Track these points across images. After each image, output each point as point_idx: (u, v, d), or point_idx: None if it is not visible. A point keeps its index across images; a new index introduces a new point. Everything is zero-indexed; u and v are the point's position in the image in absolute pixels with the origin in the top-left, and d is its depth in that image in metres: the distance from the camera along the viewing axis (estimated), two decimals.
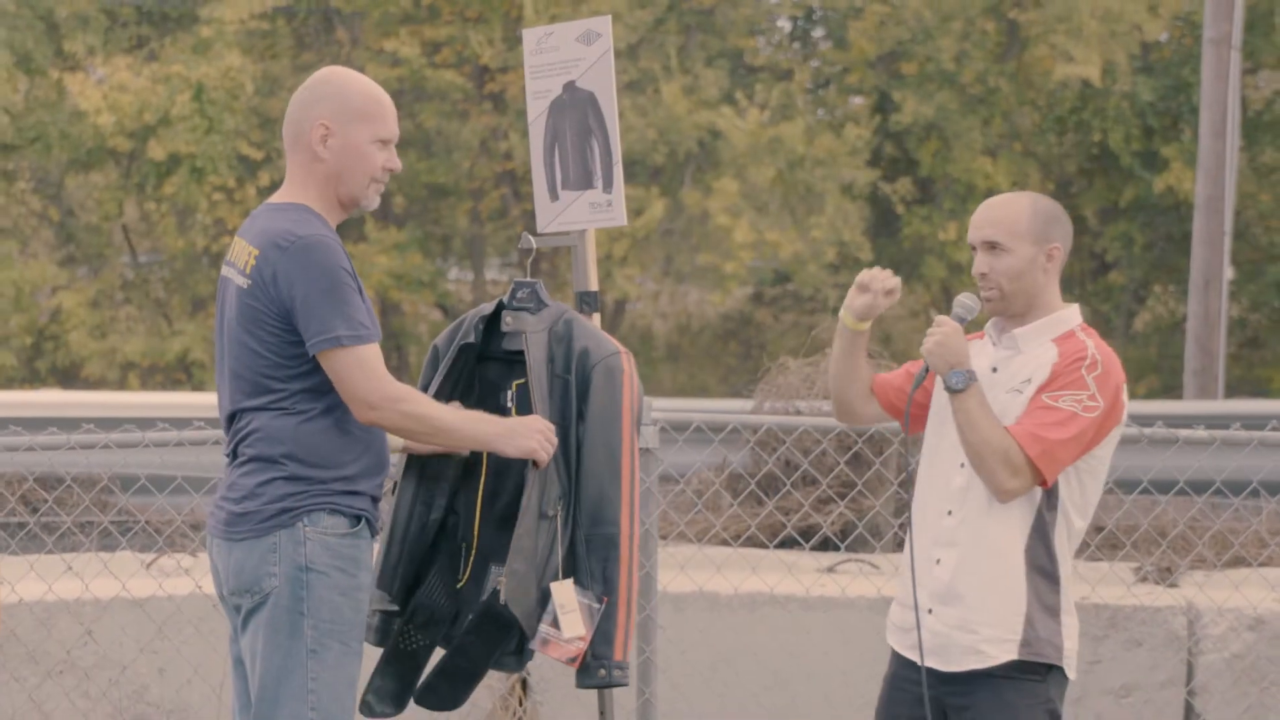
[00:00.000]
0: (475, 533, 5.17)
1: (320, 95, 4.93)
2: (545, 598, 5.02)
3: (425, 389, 5.21)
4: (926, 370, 4.99)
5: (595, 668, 5.10)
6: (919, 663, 4.98)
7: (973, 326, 5.08)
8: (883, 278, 5.09)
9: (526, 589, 4.99)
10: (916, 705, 5.00)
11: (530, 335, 5.11)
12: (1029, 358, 4.96)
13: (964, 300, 4.97)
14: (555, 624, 5.03)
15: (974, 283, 5.07)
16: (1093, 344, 4.96)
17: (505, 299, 5.23)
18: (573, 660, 5.06)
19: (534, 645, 5.04)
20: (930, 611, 4.97)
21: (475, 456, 5.22)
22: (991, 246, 4.96)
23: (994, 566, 4.91)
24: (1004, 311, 5.00)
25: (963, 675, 4.95)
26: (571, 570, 5.07)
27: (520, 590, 4.98)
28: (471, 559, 5.15)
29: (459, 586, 5.18)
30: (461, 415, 4.99)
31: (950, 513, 4.96)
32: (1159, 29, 24.72)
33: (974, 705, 4.94)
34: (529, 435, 4.97)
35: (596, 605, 5.06)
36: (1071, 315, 5.03)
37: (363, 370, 4.76)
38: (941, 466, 5.01)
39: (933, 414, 5.09)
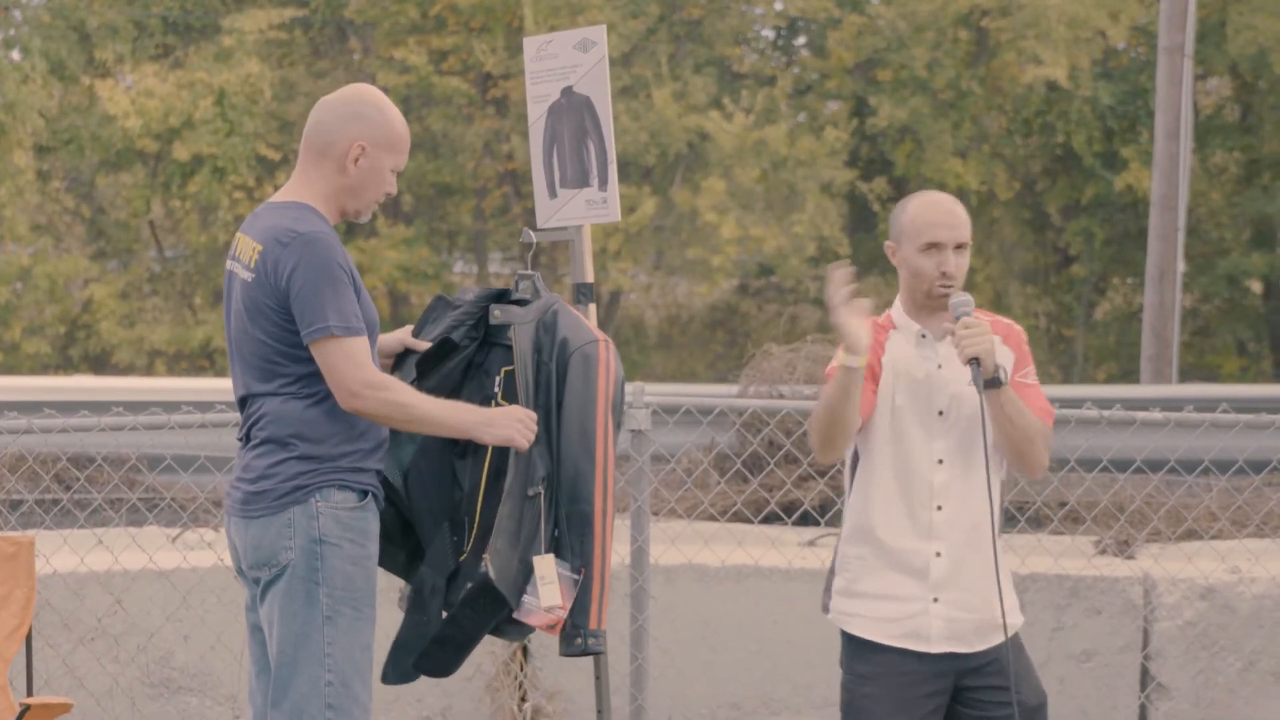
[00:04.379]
0: (479, 508, 5.16)
1: (361, 115, 4.92)
2: (529, 571, 5.02)
3: (417, 333, 5.20)
4: (980, 371, 4.73)
5: (574, 636, 5.08)
6: (922, 650, 4.87)
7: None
8: (841, 282, 4.74)
9: (509, 565, 4.99)
10: (928, 681, 4.89)
11: (518, 327, 5.10)
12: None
13: (960, 298, 4.81)
14: (536, 595, 5.03)
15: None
16: (1005, 320, 4.94)
17: (511, 289, 5.24)
18: (552, 628, 5.05)
19: (519, 614, 5.04)
20: (936, 600, 4.86)
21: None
22: (960, 246, 4.87)
23: (987, 546, 4.86)
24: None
25: (983, 635, 4.90)
26: (555, 546, 5.06)
27: (504, 567, 4.98)
28: (474, 533, 5.14)
29: (461, 559, 5.17)
30: (440, 405, 4.93)
31: (940, 507, 4.85)
32: (1120, 36, 24.71)
33: (999, 657, 4.87)
34: (507, 424, 4.93)
35: (575, 577, 5.05)
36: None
37: (349, 360, 4.77)
38: (916, 468, 4.88)
39: (884, 423, 4.90)
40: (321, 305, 4.76)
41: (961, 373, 4.82)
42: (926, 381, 4.88)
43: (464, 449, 5.17)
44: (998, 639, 4.89)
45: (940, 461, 4.85)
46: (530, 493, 5.03)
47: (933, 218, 4.89)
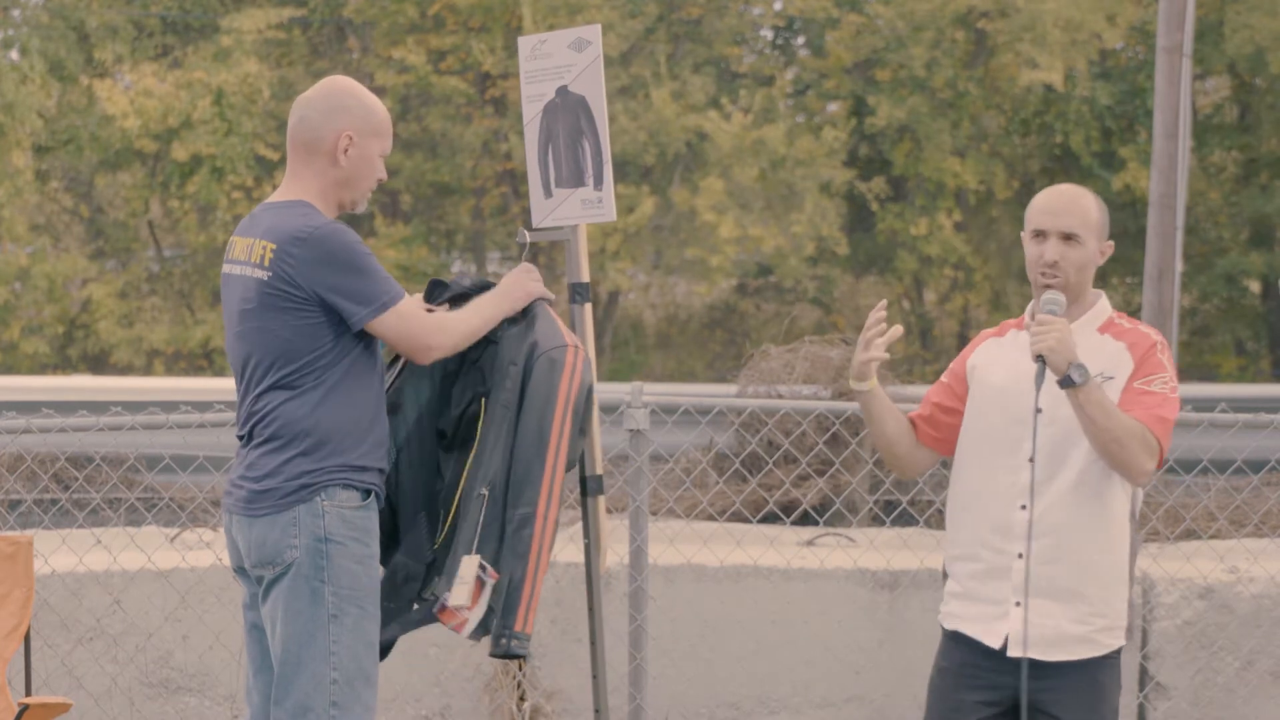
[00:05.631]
0: (455, 501, 5.15)
1: (343, 106, 4.99)
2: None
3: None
4: (1044, 369, 4.69)
5: (498, 636, 5.04)
6: (1007, 653, 4.80)
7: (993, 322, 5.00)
8: (871, 323, 4.85)
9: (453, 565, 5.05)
10: (987, 691, 4.84)
11: (507, 336, 5.15)
12: (1088, 351, 4.78)
13: (1054, 297, 4.76)
14: (449, 591, 5.03)
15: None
16: (1146, 329, 4.89)
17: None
18: (457, 627, 5.03)
19: (435, 610, 5.04)
20: (1018, 604, 4.77)
21: (471, 432, 5.19)
22: (1068, 237, 4.80)
23: (1097, 558, 4.79)
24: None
25: (1055, 663, 4.80)
26: (497, 546, 5.04)
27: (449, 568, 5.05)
28: (448, 524, 5.14)
29: (434, 548, 5.17)
30: (474, 313, 5.08)
31: (1023, 507, 4.77)
32: (1116, 37, 24.70)
33: (1060, 687, 4.80)
34: (521, 286, 5.16)
35: (489, 580, 5.04)
36: (1104, 304, 4.93)
37: (412, 322, 4.93)
38: (1001, 462, 4.83)
39: (976, 415, 4.91)
40: (367, 284, 4.87)
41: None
42: (1027, 377, 4.78)
43: (451, 442, 5.18)
44: (1083, 653, 4.81)
45: (1031, 460, 4.76)
46: (478, 492, 5.05)
47: (1042, 203, 4.87)
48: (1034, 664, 4.77)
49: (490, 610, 5.03)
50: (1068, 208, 4.83)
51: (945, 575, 5.02)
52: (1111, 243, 4.91)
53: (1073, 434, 4.76)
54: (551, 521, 5.07)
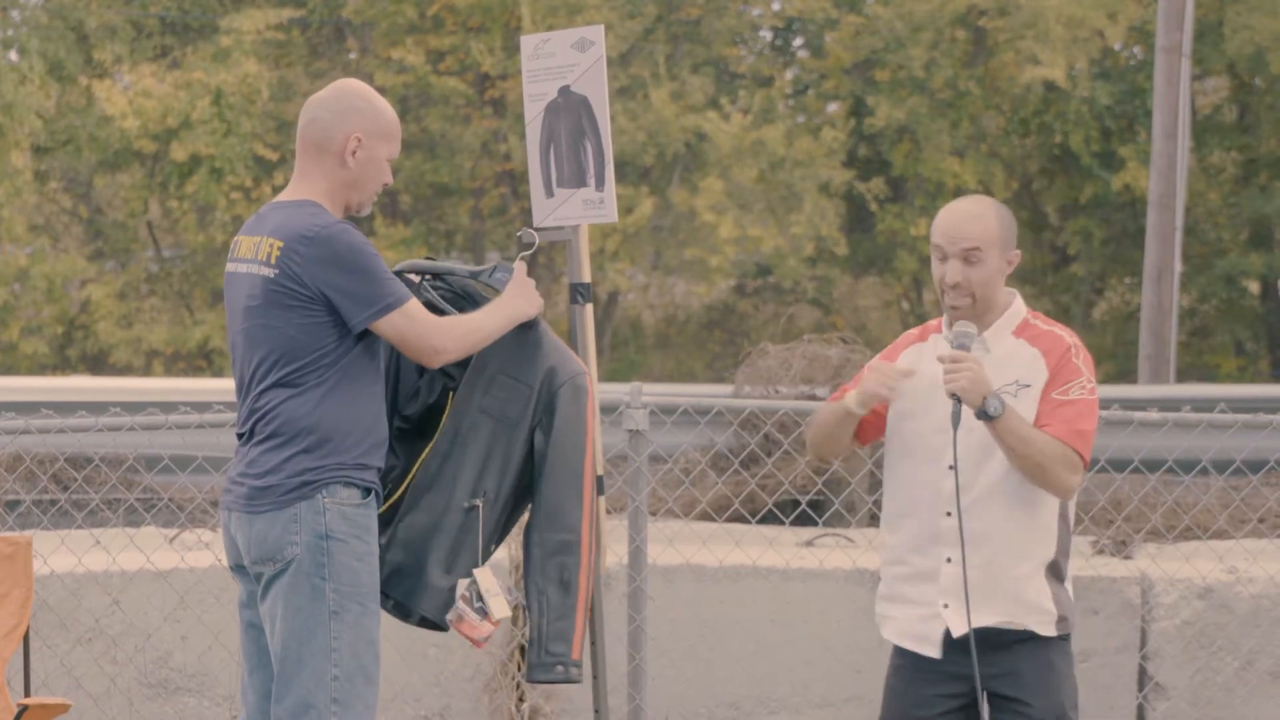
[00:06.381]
0: (403, 489, 5.14)
1: (354, 108, 5.01)
2: (454, 581, 5.04)
3: None
4: (960, 408, 4.74)
5: (552, 664, 5.06)
6: (949, 642, 4.88)
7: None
8: (895, 377, 4.88)
9: (435, 578, 5.04)
10: (949, 683, 4.90)
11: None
12: (1003, 358, 4.84)
13: (963, 329, 4.82)
14: (473, 605, 5.03)
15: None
16: (1061, 331, 4.90)
17: (485, 274, 5.25)
18: (483, 640, 5.06)
19: (454, 623, 5.05)
20: (946, 606, 4.85)
21: (430, 423, 5.19)
22: (967, 256, 4.83)
23: (1022, 562, 4.85)
24: (968, 317, 4.86)
25: (1004, 645, 4.86)
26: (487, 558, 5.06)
27: (425, 584, 5.04)
28: (385, 507, 5.12)
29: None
30: (486, 317, 5.05)
31: (949, 514, 4.83)
32: (1117, 36, 24.71)
33: (1017, 670, 4.87)
34: (532, 292, 5.13)
35: (517, 599, 5.07)
36: (1018, 305, 4.94)
37: (418, 323, 4.91)
38: (925, 470, 4.89)
39: (900, 422, 4.95)
40: (372, 285, 4.86)
41: (999, 380, 4.82)
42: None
43: (410, 430, 5.17)
44: (1019, 647, 4.87)
45: (951, 467, 4.82)
46: (468, 504, 5.05)
47: (942, 223, 4.89)
48: (985, 651, 4.82)
49: (532, 638, 5.07)
50: (966, 226, 4.84)
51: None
52: (1018, 251, 4.91)
53: (992, 442, 4.81)
54: (596, 549, 5.12)
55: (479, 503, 5.06)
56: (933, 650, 4.90)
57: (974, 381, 4.72)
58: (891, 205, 25.38)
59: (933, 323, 5.05)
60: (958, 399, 4.74)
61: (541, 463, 5.09)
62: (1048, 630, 4.88)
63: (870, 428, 5.02)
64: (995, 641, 4.86)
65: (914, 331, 5.09)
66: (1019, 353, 4.88)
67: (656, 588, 7.49)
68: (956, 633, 4.84)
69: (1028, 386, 4.84)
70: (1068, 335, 4.92)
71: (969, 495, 4.82)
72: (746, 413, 8.41)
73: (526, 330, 5.15)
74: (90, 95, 24.15)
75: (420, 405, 5.18)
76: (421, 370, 5.17)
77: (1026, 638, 4.87)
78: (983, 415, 4.73)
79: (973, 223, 4.85)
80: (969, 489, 4.82)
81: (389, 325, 4.88)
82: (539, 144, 5.67)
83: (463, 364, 5.12)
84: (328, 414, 4.88)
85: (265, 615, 4.94)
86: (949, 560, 4.84)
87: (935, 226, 4.90)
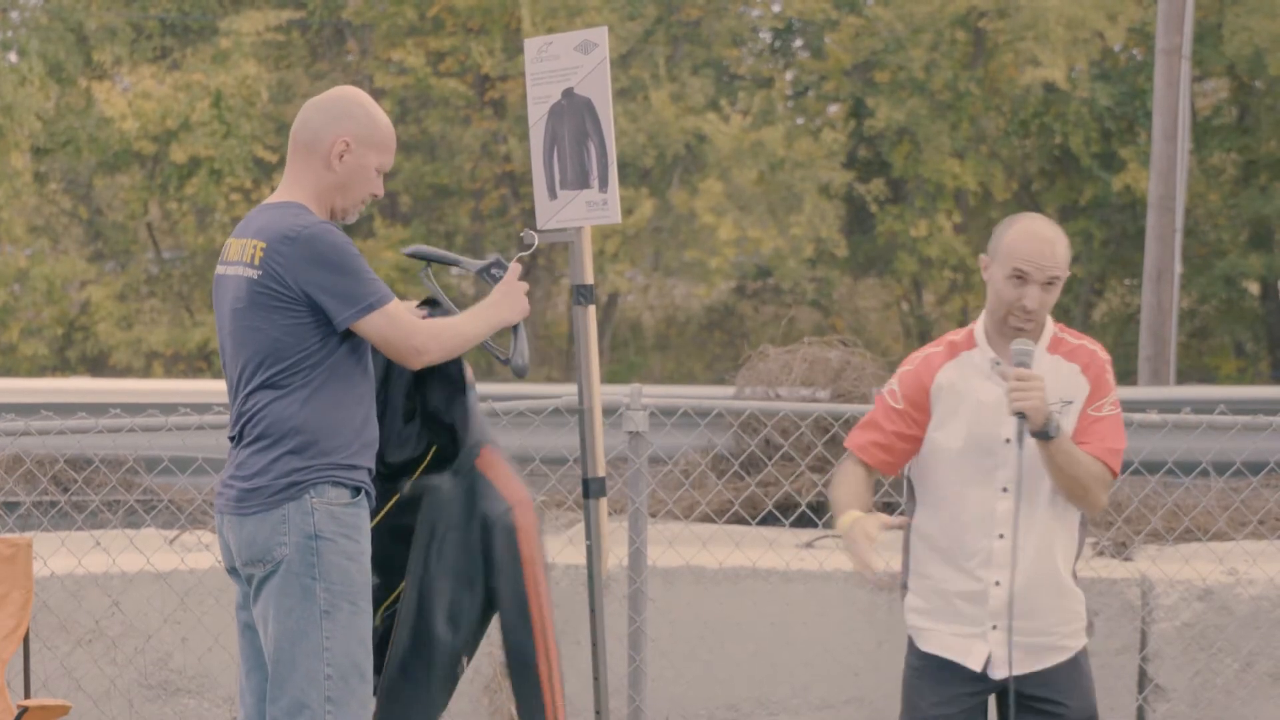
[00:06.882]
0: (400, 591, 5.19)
1: (347, 113, 5.01)
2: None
3: None
4: (1024, 425, 4.74)
5: None
6: (989, 675, 4.93)
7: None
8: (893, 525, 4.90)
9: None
10: (972, 681, 4.94)
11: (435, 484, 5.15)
12: (1047, 375, 4.83)
13: (1024, 347, 4.80)
14: None
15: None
16: (1092, 345, 4.93)
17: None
18: None
19: None
20: (995, 628, 4.88)
21: (407, 470, 5.22)
22: (1050, 282, 4.82)
23: (1064, 575, 4.93)
24: (1027, 335, 4.88)
25: (1036, 650, 4.93)
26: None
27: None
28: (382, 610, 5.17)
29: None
30: (469, 320, 5.04)
31: (1001, 536, 4.85)
32: (1117, 38, 24.73)
33: (1052, 683, 4.93)
34: (519, 297, 5.15)
35: None
36: (1049, 321, 4.96)
37: (400, 325, 4.89)
38: (974, 492, 4.88)
39: (945, 442, 4.93)
40: (354, 284, 4.85)
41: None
42: (995, 406, 4.85)
43: (397, 474, 5.19)
44: (1053, 659, 4.94)
45: (1005, 490, 4.83)
46: (459, 670, 5.15)
47: (1027, 250, 4.82)
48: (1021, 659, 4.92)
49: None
50: (1053, 254, 4.82)
51: (904, 588, 5.09)
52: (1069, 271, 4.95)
53: (1038, 462, 4.84)
54: (554, 654, 5.19)
55: (464, 663, 5.17)
56: (975, 665, 4.93)
57: (1043, 400, 4.73)
58: (891, 207, 25.39)
59: (954, 337, 5.01)
60: (1023, 416, 4.74)
61: (494, 597, 5.16)
62: (1080, 640, 4.95)
63: (903, 455, 4.99)
64: (1035, 653, 4.93)
65: (937, 350, 5.02)
66: (1058, 369, 4.89)
67: (656, 589, 7.49)
68: (998, 671, 4.88)
69: (1070, 403, 4.86)
70: (1099, 349, 4.95)
71: (1023, 517, 4.83)
72: (746, 414, 8.41)
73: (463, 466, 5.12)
74: (90, 97, 24.16)
75: (405, 457, 5.19)
76: (410, 415, 5.17)
77: (1060, 645, 4.94)
78: (1042, 435, 4.74)
79: (1058, 249, 4.83)
80: (1023, 511, 4.83)
81: (370, 325, 4.87)
82: (543, 146, 5.68)
83: (449, 428, 5.13)
84: (314, 415, 4.88)
85: (258, 617, 4.95)
86: (997, 583, 4.86)
87: (1015, 250, 4.82)
